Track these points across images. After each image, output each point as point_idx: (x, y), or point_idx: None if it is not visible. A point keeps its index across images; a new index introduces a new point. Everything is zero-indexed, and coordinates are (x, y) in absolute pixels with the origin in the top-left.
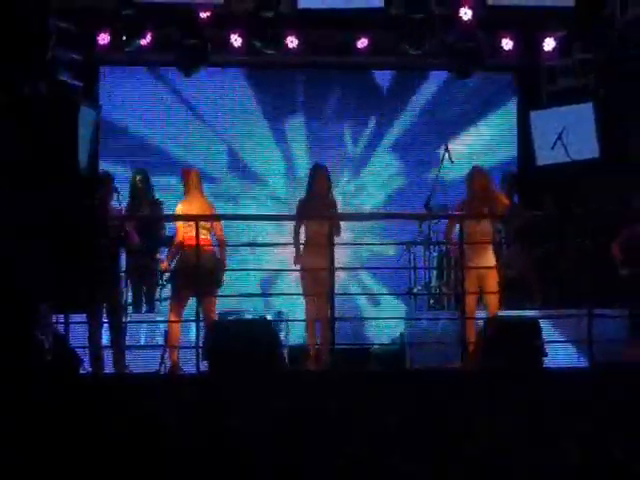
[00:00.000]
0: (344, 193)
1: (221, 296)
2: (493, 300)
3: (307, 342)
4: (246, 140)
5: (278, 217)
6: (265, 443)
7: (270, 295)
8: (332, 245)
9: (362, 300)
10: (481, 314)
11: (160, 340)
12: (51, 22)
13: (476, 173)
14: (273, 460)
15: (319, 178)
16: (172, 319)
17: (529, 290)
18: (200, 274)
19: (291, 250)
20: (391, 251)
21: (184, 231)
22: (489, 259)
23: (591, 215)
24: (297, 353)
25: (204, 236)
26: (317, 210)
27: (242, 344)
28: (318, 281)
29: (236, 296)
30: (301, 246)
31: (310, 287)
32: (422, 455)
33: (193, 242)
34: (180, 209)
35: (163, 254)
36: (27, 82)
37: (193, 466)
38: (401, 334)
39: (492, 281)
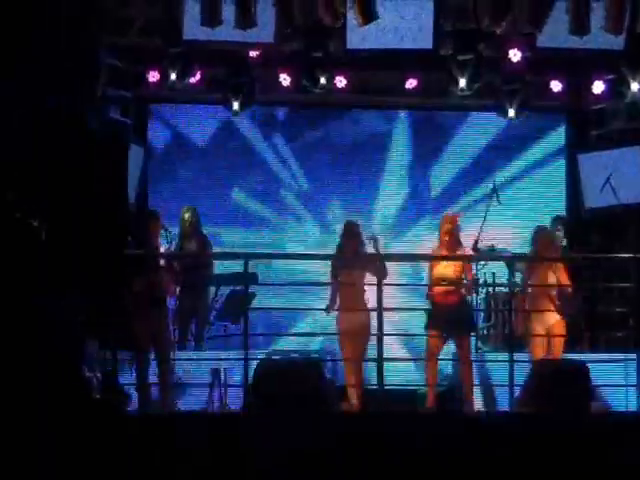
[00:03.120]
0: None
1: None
2: (558, 344)
3: (345, 383)
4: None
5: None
6: None
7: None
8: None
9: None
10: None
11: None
12: (102, 59)
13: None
14: None
15: (348, 236)
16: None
17: (578, 333)
18: None
19: None
20: None
21: None
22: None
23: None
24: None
25: None
26: (348, 267)
27: (289, 383)
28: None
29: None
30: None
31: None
32: None
33: None
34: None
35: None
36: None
37: None
38: (447, 375)
39: (558, 326)
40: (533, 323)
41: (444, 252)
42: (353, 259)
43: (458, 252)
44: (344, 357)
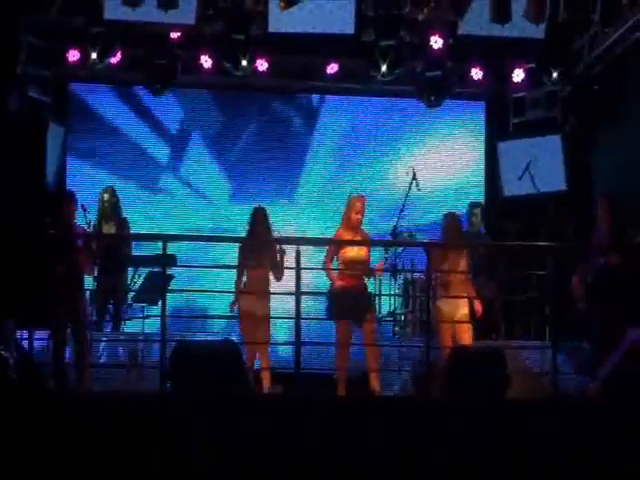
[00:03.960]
0: (311, 218)
1: (182, 317)
2: (465, 334)
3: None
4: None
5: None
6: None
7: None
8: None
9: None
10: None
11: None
12: (21, 37)
13: (449, 219)
14: None
15: (258, 222)
16: None
17: (494, 321)
18: None
19: None
20: None
21: None
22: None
23: (555, 247)
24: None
25: None
26: (257, 253)
27: (206, 366)
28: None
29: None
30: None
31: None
32: None
33: None
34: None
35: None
36: None
37: None
38: None
39: (466, 317)
40: (442, 310)
41: (352, 234)
42: (262, 246)
43: (362, 234)
44: (245, 340)
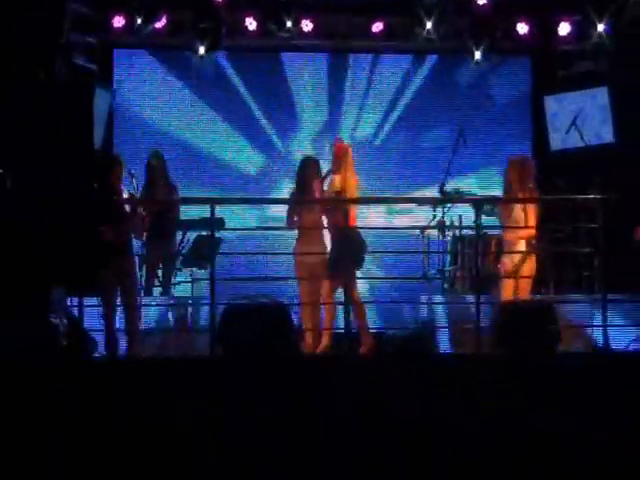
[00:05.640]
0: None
1: (230, 279)
2: (525, 285)
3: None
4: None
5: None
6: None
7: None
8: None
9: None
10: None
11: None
12: (66, 5)
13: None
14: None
15: (307, 171)
16: None
17: (544, 275)
18: None
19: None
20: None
21: None
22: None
23: (605, 199)
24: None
25: None
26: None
27: (256, 330)
28: (314, 267)
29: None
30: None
31: (305, 272)
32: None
33: None
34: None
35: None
36: (43, 66)
37: (203, 452)
38: (418, 319)
39: (527, 267)
40: (502, 263)
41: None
42: (315, 199)
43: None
44: (302, 299)
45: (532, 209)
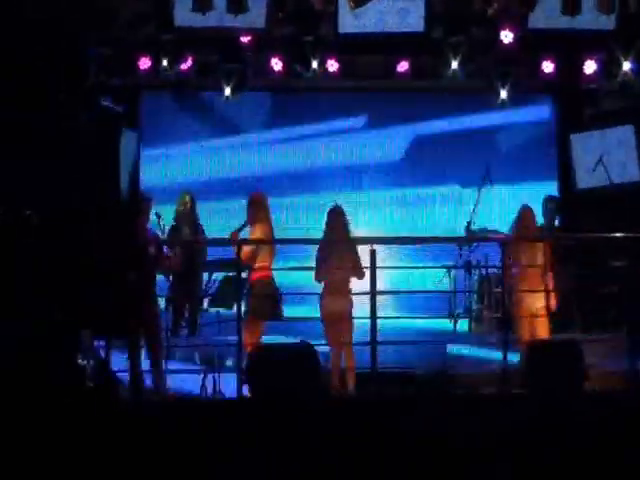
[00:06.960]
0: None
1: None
2: (543, 327)
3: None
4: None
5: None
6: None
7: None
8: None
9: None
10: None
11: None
12: (91, 50)
13: (524, 211)
14: None
15: (337, 222)
16: None
17: (570, 314)
18: None
19: None
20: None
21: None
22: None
23: (633, 238)
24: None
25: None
26: (337, 253)
27: (284, 369)
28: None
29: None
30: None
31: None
32: None
33: None
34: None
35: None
36: (68, 114)
37: None
38: (441, 358)
39: (544, 309)
40: (520, 305)
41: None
42: (342, 247)
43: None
44: (329, 343)
45: (541, 248)
